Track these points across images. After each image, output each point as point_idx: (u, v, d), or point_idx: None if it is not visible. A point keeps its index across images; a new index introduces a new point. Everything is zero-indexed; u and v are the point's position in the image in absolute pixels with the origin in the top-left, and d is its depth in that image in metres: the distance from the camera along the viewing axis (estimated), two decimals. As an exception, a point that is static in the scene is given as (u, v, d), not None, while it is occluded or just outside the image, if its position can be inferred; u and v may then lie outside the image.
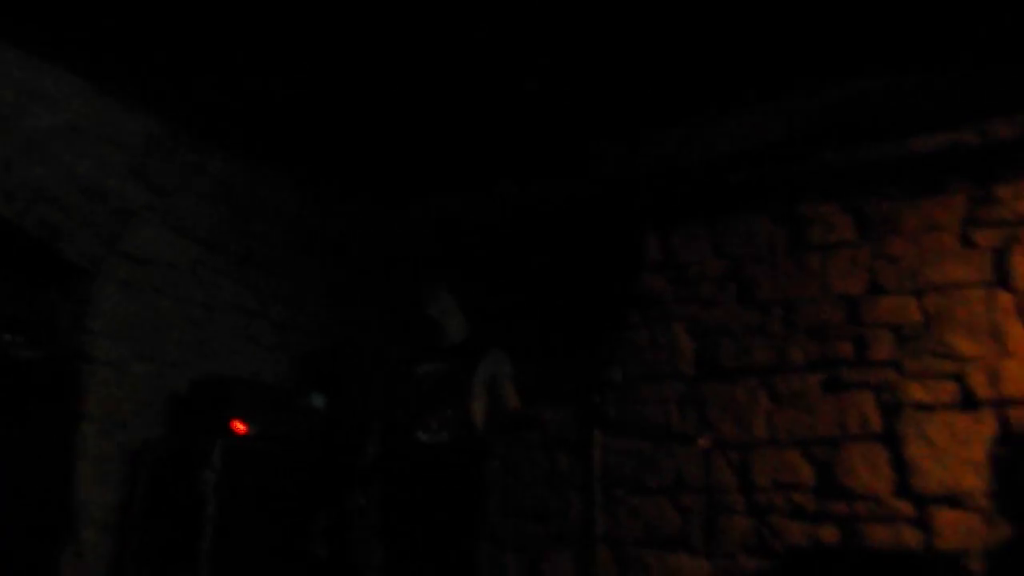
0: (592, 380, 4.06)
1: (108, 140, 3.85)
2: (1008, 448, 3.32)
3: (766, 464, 3.74)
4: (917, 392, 3.50)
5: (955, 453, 3.37)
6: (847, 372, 3.67)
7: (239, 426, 3.66)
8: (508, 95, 3.75)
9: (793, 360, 3.82)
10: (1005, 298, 3.44)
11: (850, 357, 3.68)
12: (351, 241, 5.07)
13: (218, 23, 3.29)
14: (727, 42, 3.34)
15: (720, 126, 4.07)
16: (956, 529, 3.30)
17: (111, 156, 3.86)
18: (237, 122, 4.11)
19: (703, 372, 4.02)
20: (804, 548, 3.58)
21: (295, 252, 4.83)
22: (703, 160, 4.15)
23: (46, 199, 3.59)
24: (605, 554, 3.89)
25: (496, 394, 3.36)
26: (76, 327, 3.72)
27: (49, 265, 3.69)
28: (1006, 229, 3.50)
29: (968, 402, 3.39)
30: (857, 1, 3.08)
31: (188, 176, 4.21)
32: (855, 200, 3.84)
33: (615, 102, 3.84)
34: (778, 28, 3.24)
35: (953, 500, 3.34)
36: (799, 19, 3.18)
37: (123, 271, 3.88)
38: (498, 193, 4.62)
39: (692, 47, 3.39)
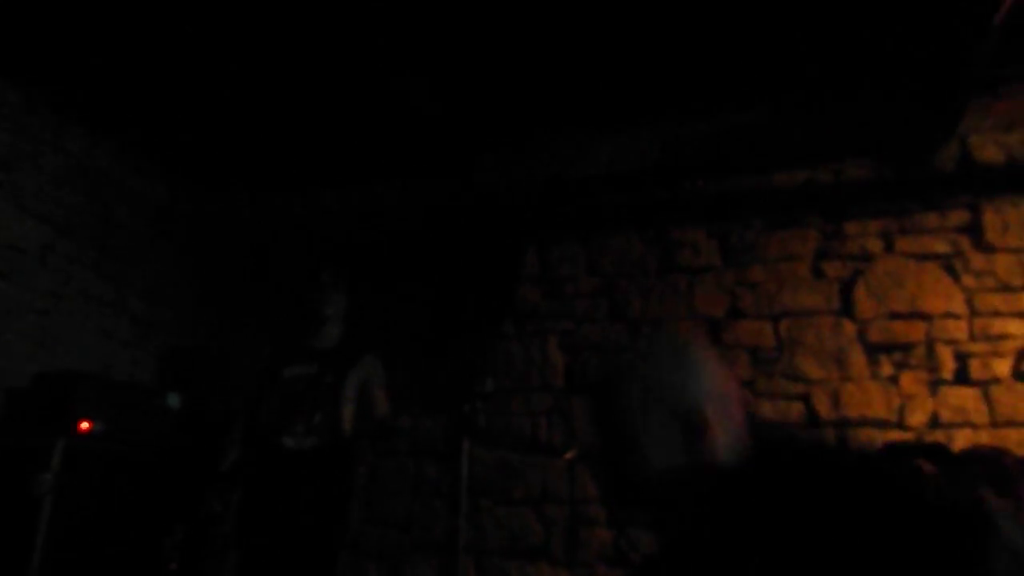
0: (464, 390, 4.08)
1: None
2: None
3: (628, 476, 3.86)
4: (767, 410, 3.72)
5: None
6: (706, 390, 3.85)
7: (84, 425, 3.41)
8: (390, 96, 3.72)
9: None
10: (849, 326, 3.71)
11: (710, 376, 3.86)
12: (222, 235, 4.86)
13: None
14: (611, 63, 3.46)
15: (598, 145, 4.19)
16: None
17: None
18: (101, 98, 3.86)
19: (572, 385, 4.11)
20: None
21: (161, 244, 4.58)
22: (581, 178, 4.26)
23: None
24: (468, 564, 3.89)
25: (367, 400, 3.31)
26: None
27: None
28: (852, 263, 3.79)
29: (813, 422, 3.63)
30: (737, 38, 3.25)
31: (42, 152, 3.91)
32: (721, 227, 4.05)
33: (498, 113, 3.89)
34: (659, 54, 3.38)
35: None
36: (681, 47, 3.33)
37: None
38: (376, 191, 4.55)
39: (578, 66, 3.48)
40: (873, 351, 3.64)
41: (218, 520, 3.28)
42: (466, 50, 3.39)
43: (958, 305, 3.59)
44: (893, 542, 0.97)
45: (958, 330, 3.56)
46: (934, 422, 3.48)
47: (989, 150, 3.54)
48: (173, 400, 3.78)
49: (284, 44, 3.37)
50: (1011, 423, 3.37)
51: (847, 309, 3.74)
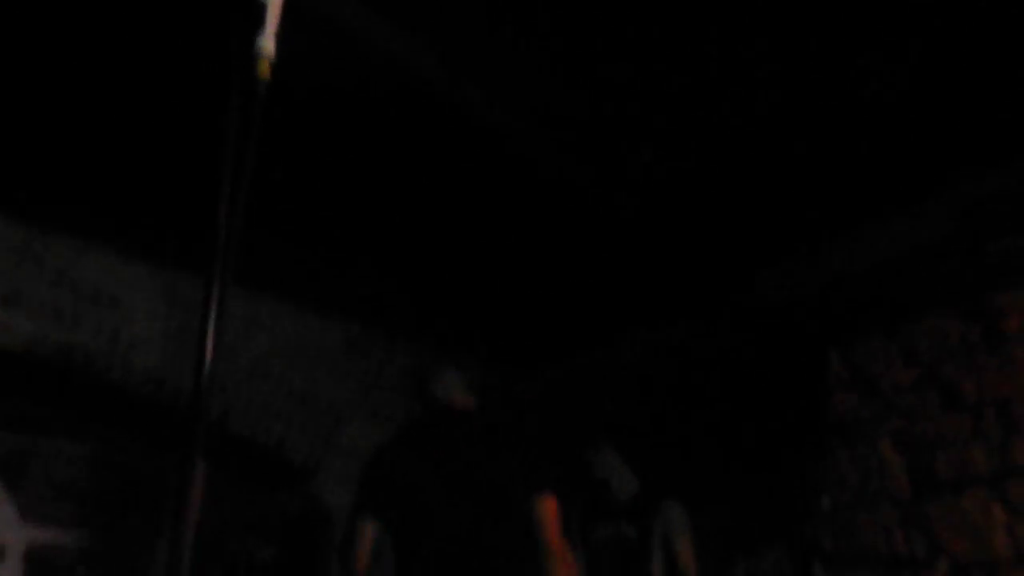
0: (797, 514, 3.91)
1: (314, 349, 4.38)
2: None
3: (1019, 585, 3.36)
4: None
5: None
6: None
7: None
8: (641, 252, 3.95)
9: (1020, 463, 3.50)
10: None
11: (1088, 452, 3.33)
12: (527, 409, 5.28)
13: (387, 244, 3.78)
14: (881, 148, 3.38)
15: (881, 230, 4.02)
16: None
17: (317, 364, 4.37)
18: (415, 317, 4.55)
19: (920, 489, 3.75)
20: None
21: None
22: (872, 266, 4.08)
23: (270, 413, 4.10)
24: None
25: (671, 552, 3.29)
26: (303, 521, 4.10)
27: (278, 471, 4.15)
28: None
29: None
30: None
31: (384, 370, 4.65)
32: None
33: (769, 228, 3.92)
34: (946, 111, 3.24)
35: None
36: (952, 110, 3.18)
37: (337, 465, 4.28)
38: (651, 338, 4.71)
39: (845, 162, 3.45)
40: None
41: None
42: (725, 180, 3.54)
43: None
44: None
45: None
46: None
47: None
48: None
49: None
50: None
51: None
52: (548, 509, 2.55)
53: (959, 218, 3.79)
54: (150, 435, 4.02)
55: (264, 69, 1.19)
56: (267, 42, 1.20)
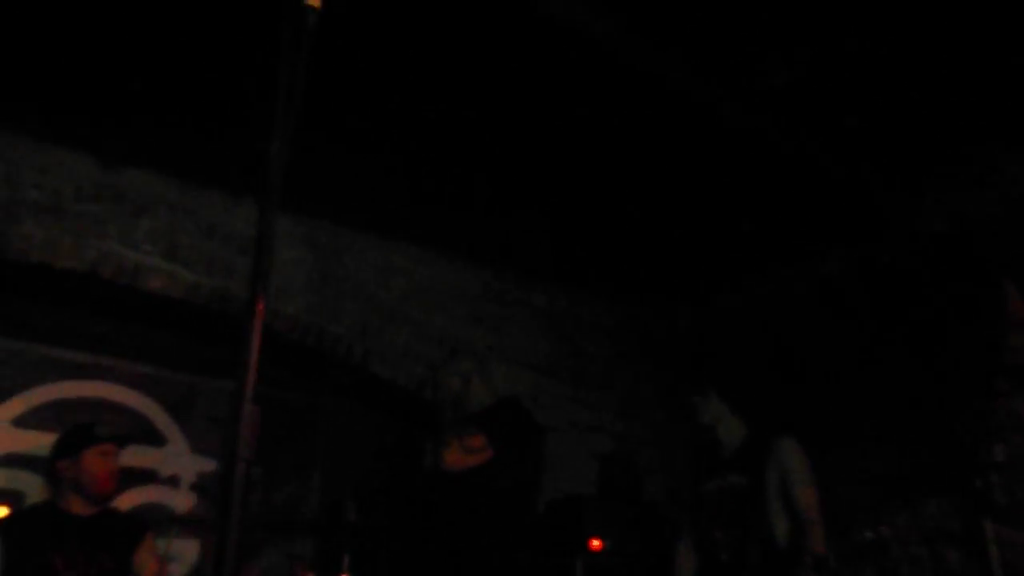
0: (966, 461, 3.57)
1: (450, 295, 4.45)
2: None
3: None
4: None
5: None
6: None
7: (595, 543, 3.79)
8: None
9: None
10: None
11: None
12: (669, 348, 5.14)
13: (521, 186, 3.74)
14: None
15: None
16: None
17: (454, 308, 4.44)
18: (551, 257, 4.51)
19: (1116, 440, 3.33)
20: None
21: (621, 364, 5.02)
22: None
23: (410, 356, 4.22)
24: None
25: (790, 498, 2.92)
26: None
27: (417, 409, 4.27)
28: None
29: None
30: None
31: (518, 312, 4.67)
32: None
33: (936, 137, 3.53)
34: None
35: None
36: None
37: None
38: (808, 269, 4.42)
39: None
40: None
41: None
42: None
43: None
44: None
45: None
46: None
47: None
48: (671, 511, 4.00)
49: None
50: None
51: None
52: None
53: None
54: (300, 375, 4.24)
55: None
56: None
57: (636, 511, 4.09)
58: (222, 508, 1.01)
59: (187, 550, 3.83)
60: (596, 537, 3.82)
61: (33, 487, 3.43)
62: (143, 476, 3.78)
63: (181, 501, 3.85)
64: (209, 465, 3.99)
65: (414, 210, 4.07)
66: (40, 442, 3.41)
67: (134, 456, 3.57)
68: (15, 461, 3.47)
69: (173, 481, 3.87)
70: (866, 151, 3.57)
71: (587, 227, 4.22)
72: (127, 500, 3.66)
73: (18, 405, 3.53)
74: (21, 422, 3.53)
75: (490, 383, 3.51)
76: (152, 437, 3.86)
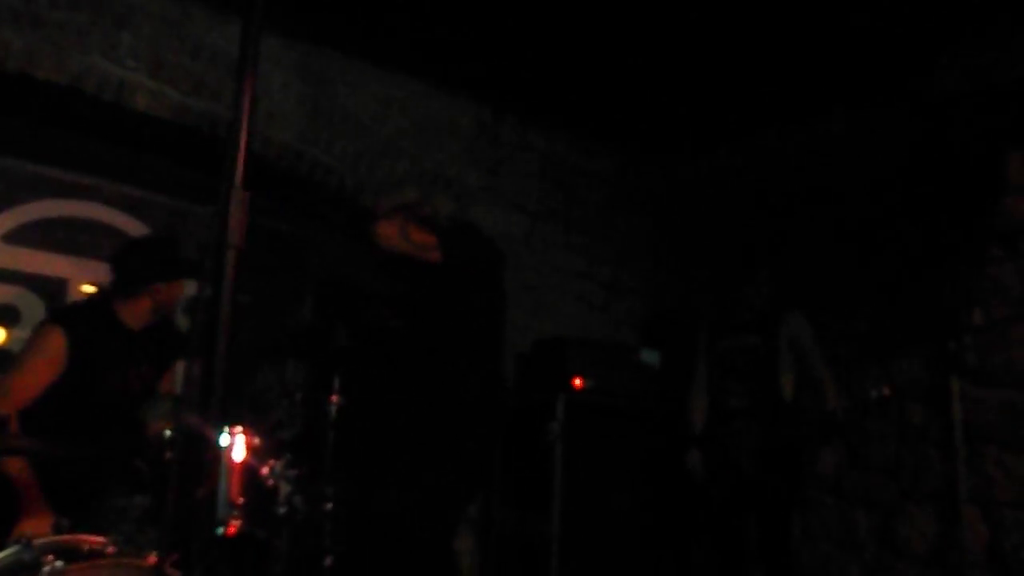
0: (943, 325, 3.67)
1: (446, 132, 4.34)
2: None
3: None
4: None
5: None
6: None
7: (577, 382, 3.94)
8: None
9: None
10: None
11: None
12: (667, 198, 5.11)
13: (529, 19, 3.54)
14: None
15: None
16: None
17: (449, 146, 4.35)
18: (551, 98, 4.37)
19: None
20: None
21: (616, 214, 5.01)
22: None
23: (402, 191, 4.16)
24: (973, 514, 3.51)
25: (801, 358, 3.53)
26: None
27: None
28: None
29: None
30: None
31: (514, 155, 4.58)
32: None
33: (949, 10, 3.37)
34: None
35: None
36: None
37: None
38: (815, 128, 4.33)
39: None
40: None
41: (700, 478, 3.63)
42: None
43: None
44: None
45: None
46: None
47: None
48: (649, 357, 4.13)
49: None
50: None
51: None
52: None
53: None
54: (289, 205, 4.20)
55: None
56: None
57: (616, 353, 4.22)
58: (212, 299, 1.00)
59: (179, 371, 3.94)
60: (578, 376, 3.96)
61: (29, 304, 3.46)
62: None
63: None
64: (196, 289, 4.03)
65: (412, 39, 3.88)
66: (32, 261, 3.42)
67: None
68: (7, 277, 3.48)
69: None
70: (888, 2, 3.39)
71: (590, 71, 4.06)
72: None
73: (7, 220, 3.50)
74: (11, 238, 3.51)
75: (447, 204, 3.40)
76: (143, 260, 3.86)
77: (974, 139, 3.77)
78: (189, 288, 3.23)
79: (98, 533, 2.17)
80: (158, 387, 3.01)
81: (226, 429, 2.48)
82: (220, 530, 2.39)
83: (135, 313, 2.85)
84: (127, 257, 2.88)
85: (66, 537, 2.16)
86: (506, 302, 3.18)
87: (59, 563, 1.95)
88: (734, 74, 3.99)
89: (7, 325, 3.44)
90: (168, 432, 2.33)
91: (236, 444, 2.50)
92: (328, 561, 2.63)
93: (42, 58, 3.19)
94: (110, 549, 2.13)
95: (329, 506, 2.53)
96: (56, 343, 2.64)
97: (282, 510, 2.48)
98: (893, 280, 3.93)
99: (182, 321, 3.93)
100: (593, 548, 3.81)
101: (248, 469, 2.49)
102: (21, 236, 3.54)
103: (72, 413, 2.67)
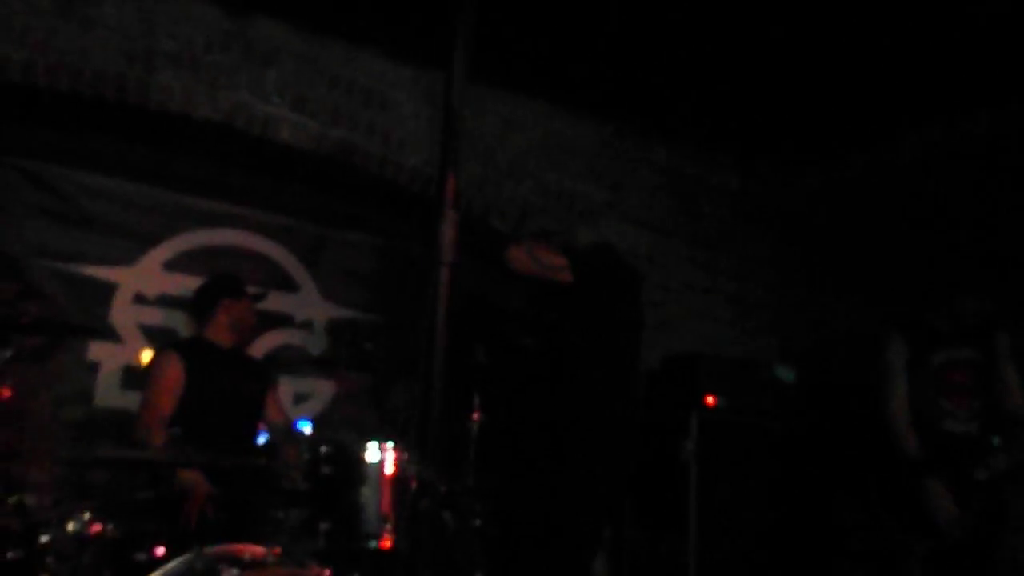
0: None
1: (568, 150, 4.37)
2: None
3: None
4: None
5: None
6: None
7: (710, 399, 3.85)
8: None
9: None
10: None
11: None
12: (792, 209, 4.95)
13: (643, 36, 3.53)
14: None
15: None
16: None
17: (571, 163, 4.37)
18: (673, 115, 4.33)
19: None
20: None
21: (741, 227, 4.89)
22: None
23: (529, 211, 4.22)
24: None
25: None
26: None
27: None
28: None
29: None
30: None
31: (637, 170, 4.56)
32: None
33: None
34: None
35: None
36: None
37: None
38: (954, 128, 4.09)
39: None
40: None
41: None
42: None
43: None
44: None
45: None
46: None
47: None
48: (784, 373, 4.00)
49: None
50: None
51: None
52: None
53: None
54: (419, 228, 4.32)
55: None
56: None
57: (749, 369, 4.10)
58: (429, 310, 1.03)
59: (320, 389, 4.12)
60: (711, 393, 3.87)
61: (183, 324, 3.71)
62: (280, 319, 4.02)
63: (315, 343, 4.09)
64: (337, 311, 4.20)
65: (535, 63, 3.94)
66: (187, 285, 3.66)
67: (272, 301, 3.78)
68: (168, 301, 3.74)
69: (307, 325, 4.10)
70: None
71: (711, 84, 4.00)
72: (268, 341, 3.93)
73: (167, 250, 3.77)
74: (172, 265, 3.78)
75: (587, 235, 3.43)
76: (286, 283, 4.07)
77: None
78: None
79: (257, 543, 2.29)
80: (266, 411, 3.36)
81: (377, 444, 2.58)
82: (374, 543, 2.48)
83: (218, 332, 3.29)
84: (200, 290, 3.39)
85: (230, 547, 2.28)
86: (643, 321, 3.16)
87: (235, 570, 2.07)
88: (857, 80, 3.84)
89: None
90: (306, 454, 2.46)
91: (387, 459, 2.59)
92: (477, 576, 2.66)
93: (198, 98, 3.44)
94: (271, 559, 2.24)
95: (478, 522, 2.57)
96: (174, 364, 3.12)
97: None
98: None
99: (322, 342, 4.12)
100: (729, 567, 3.70)
101: (398, 483, 2.58)
102: (179, 263, 3.80)
103: (206, 424, 2.99)
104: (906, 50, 3.59)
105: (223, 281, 3.40)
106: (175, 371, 3.09)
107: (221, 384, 3.18)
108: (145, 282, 3.70)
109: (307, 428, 3.46)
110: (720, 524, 3.72)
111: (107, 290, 3.64)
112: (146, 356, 3.59)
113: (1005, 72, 3.67)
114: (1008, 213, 3.89)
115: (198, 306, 3.37)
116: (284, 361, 3.96)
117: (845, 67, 3.76)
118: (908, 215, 4.33)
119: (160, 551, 2.27)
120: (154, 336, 3.66)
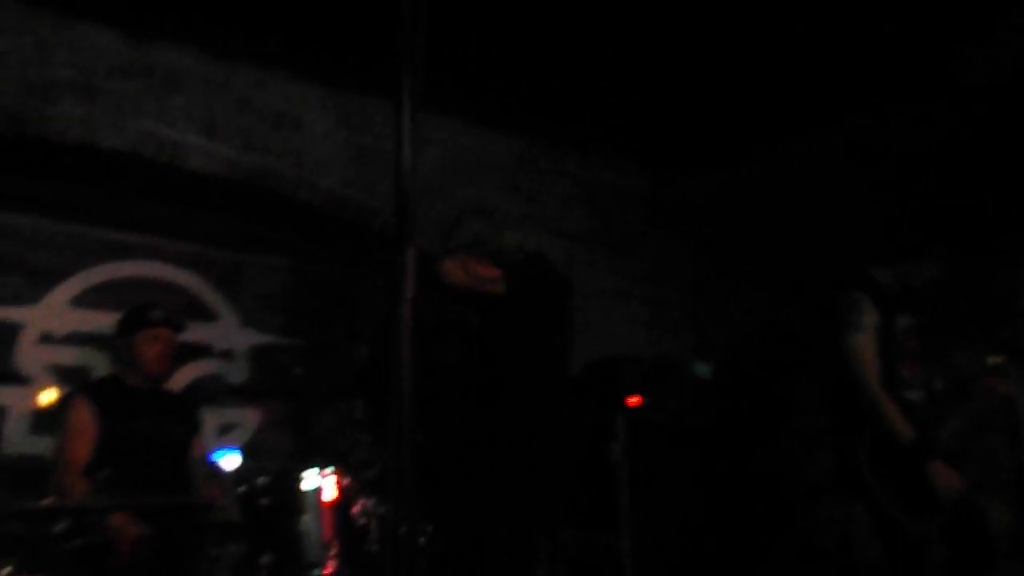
0: (1000, 314, 3.67)
1: (485, 164, 4.44)
2: None
3: None
4: None
5: None
6: None
7: (633, 400, 3.97)
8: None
9: None
10: None
11: None
12: (701, 213, 5.17)
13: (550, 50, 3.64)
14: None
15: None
16: None
17: (489, 179, 4.44)
18: (582, 125, 4.46)
19: None
20: None
21: (652, 232, 5.07)
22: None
23: (443, 228, 4.25)
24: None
25: None
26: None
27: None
28: None
29: None
30: None
31: (550, 181, 4.67)
32: None
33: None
34: None
35: None
36: None
37: (511, 275, 4.43)
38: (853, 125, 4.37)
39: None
40: None
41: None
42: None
43: None
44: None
45: None
46: None
47: None
48: (701, 369, 4.17)
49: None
50: None
51: None
52: None
53: None
54: (337, 249, 4.30)
55: None
56: None
57: (668, 368, 4.25)
58: (392, 355, 1.06)
59: (246, 418, 4.04)
60: (633, 394, 4.00)
61: (99, 362, 3.57)
62: (198, 350, 3.92)
63: (237, 372, 4.01)
64: (259, 338, 4.13)
65: (447, 79, 3.99)
66: (99, 321, 3.53)
67: (189, 332, 3.67)
68: (79, 339, 3.60)
69: (227, 354, 4.02)
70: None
71: (616, 91, 4.14)
72: (188, 373, 3.83)
73: (76, 285, 3.63)
74: (79, 301, 3.63)
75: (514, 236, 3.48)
76: (203, 313, 3.98)
77: (1003, 127, 3.81)
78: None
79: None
80: (191, 451, 3.17)
81: (316, 471, 2.57)
82: (318, 572, 2.47)
83: (136, 368, 3.08)
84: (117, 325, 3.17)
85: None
86: (573, 329, 3.25)
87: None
88: (752, 82, 4.05)
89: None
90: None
91: (326, 485, 2.58)
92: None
93: (102, 128, 3.33)
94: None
95: (423, 540, 2.58)
96: (84, 408, 2.93)
97: (374, 548, 2.55)
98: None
99: (244, 370, 4.03)
100: (665, 563, 3.82)
101: (339, 509, 2.57)
102: (87, 299, 3.66)
103: (128, 467, 2.78)
104: (796, 56, 3.81)
105: (135, 314, 3.21)
106: (84, 415, 2.93)
107: (138, 425, 3.02)
108: (52, 320, 3.55)
109: (236, 458, 3.38)
110: (653, 521, 3.84)
111: (10, 331, 3.47)
112: (47, 397, 3.44)
113: (884, 75, 3.97)
114: (895, 196, 4.19)
115: (114, 343, 3.19)
116: (206, 392, 3.87)
117: (743, 70, 3.95)
118: (807, 206, 4.59)
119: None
120: (67, 376, 3.52)
